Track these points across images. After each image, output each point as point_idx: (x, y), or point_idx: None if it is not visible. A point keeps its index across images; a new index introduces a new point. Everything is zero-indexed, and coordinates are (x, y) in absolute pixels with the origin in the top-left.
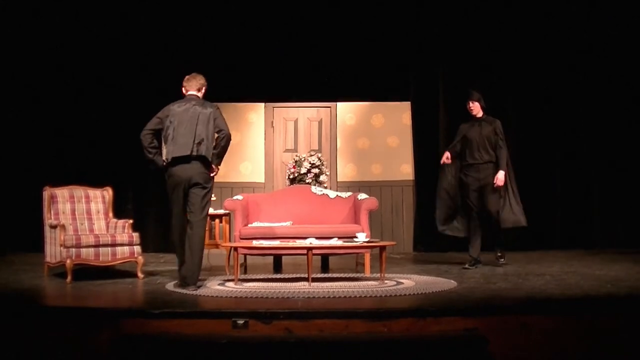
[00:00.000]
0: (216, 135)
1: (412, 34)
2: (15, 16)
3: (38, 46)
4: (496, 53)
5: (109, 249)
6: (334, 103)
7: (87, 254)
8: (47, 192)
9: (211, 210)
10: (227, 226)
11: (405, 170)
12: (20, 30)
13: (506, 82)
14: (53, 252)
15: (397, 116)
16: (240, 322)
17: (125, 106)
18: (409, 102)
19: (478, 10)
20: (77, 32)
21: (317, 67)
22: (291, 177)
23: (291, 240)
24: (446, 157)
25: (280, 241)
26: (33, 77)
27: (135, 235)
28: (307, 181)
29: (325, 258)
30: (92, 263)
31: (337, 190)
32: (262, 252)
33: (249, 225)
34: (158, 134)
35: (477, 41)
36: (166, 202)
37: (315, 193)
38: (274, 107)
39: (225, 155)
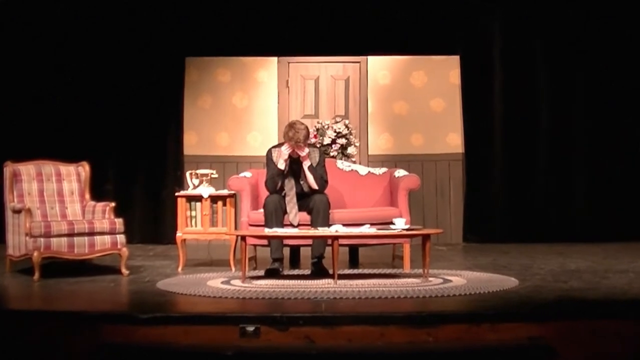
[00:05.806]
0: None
1: None
2: None
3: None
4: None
5: (86, 238)
6: (364, 57)
7: (59, 244)
8: (8, 169)
9: (212, 191)
10: (232, 210)
11: (453, 141)
12: None
13: (579, 43)
14: (17, 242)
15: (443, 74)
16: (250, 329)
17: (105, 68)
18: (458, 57)
19: None
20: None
21: (343, 13)
22: None
23: (312, 227)
24: None
25: (299, 229)
26: None
27: (119, 221)
28: (331, 154)
29: (354, 250)
30: (65, 256)
31: (368, 166)
32: None
33: (260, 209)
34: None
35: None
36: (156, 181)
37: (341, 169)
38: (289, 63)
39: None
